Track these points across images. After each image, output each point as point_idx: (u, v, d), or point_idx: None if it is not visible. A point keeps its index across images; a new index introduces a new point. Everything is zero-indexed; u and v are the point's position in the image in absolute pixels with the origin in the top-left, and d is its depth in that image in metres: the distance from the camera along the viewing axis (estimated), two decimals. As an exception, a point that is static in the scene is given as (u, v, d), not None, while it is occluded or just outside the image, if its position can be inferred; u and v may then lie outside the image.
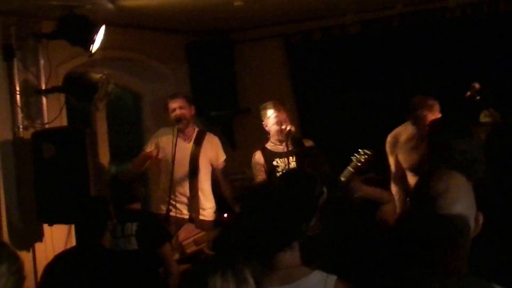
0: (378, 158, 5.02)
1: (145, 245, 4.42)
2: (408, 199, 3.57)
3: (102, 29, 4.92)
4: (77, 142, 4.85)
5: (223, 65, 6.62)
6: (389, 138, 5.23)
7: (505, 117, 4.69)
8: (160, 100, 5.97)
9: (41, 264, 4.73)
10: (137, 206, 4.62)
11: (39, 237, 5.02)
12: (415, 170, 4.91)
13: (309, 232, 2.60)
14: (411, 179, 4.98)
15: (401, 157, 5.14)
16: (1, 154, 4.87)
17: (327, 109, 6.40)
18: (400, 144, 5.15)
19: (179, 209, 5.50)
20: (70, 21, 4.87)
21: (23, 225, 4.95)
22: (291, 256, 2.35)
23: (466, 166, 2.74)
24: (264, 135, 5.41)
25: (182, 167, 5.43)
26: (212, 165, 5.62)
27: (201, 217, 5.52)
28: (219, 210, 5.65)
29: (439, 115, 4.77)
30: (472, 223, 1.87)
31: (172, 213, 5.36)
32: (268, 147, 5.35)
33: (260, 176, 5.31)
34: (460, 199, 1.86)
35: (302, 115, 6.46)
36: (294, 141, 5.25)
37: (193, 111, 5.56)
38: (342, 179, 4.80)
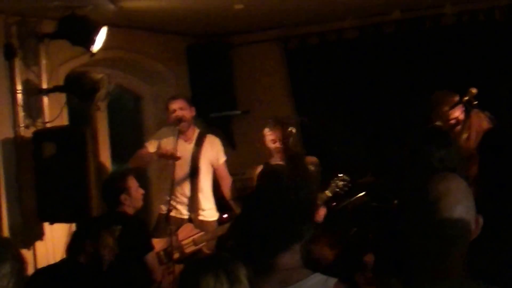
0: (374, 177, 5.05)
1: (126, 251, 4.36)
2: (395, 201, 3.59)
3: (103, 30, 4.94)
4: (78, 141, 4.86)
5: (222, 68, 6.67)
6: None
7: (502, 122, 4.75)
8: (160, 101, 6.01)
9: (42, 263, 4.75)
10: (127, 209, 4.61)
11: (40, 236, 5.03)
12: None
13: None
14: None
15: None
16: (2, 153, 4.87)
17: (325, 113, 6.44)
18: None
19: (179, 210, 5.53)
20: (71, 22, 4.88)
21: (23, 224, 4.95)
22: (291, 258, 2.35)
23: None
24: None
25: (182, 168, 5.45)
26: (212, 166, 5.67)
27: (200, 218, 5.56)
28: (219, 210, 5.69)
29: (460, 110, 4.73)
30: (472, 226, 1.85)
31: (172, 213, 5.38)
32: (271, 163, 5.32)
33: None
34: (461, 202, 1.83)
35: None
36: (291, 157, 5.16)
37: (193, 113, 5.59)
38: (319, 202, 4.87)
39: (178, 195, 5.53)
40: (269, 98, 6.65)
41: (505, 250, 2.55)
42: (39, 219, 4.96)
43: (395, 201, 4.65)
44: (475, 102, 4.79)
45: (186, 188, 5.55)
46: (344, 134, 6.24)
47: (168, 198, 5.36)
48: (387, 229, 3.35)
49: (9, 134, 4.96)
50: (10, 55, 4.97)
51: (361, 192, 5.11)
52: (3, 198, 4.86)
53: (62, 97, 5.23)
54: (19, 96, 4.99)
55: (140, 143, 5.88)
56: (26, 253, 4.84)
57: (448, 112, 4.75)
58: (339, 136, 6.21)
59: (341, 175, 4.95)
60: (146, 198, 4.97)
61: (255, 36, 6.71)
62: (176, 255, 4.99)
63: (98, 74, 5.07)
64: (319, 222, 4.90)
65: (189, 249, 5.14)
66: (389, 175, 5.01)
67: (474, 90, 4.82)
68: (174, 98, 5.60)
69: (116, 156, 6.13)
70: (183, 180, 5.50)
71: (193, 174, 5.52)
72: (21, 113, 4.99)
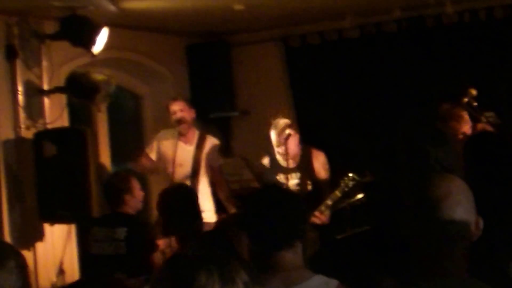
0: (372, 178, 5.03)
1: (134, 251, 4.42)
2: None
3: (104, 31, 4.95)
4: (78, 142, 4.88)
5: (222, 68, 6.67)
6: None
7: (502, 122, 4.75)
8: (160, 101, 6.01)
9: (42, 264, 4.77)
10: (130, 209, 4.61)
11: (40, 236, 5.04)
12: None
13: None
14: None
15: None
16: (3, 154, 4.89)
17: (325, 112, 6.44)
18: None
19: (178, 210, 5.54)
20: (72, 22, 4.88)
21: (24, 224, 4.97)
22: (293, 257, 2.35)
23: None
24: (262, 138, 5.42)
25: (182, 170, 5.45)
26: (211, 167, 5.67)
27: (199, 219, 5.57)
28: (218, 212, 5.68)
29: (468, 125, 4.71)
30: (472, 227, 1.85)
31: (172, 214, 5.39)
32: (276, 158, 5.22)
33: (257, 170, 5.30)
34: (462, 203, 1.83)
35: (300, 117, 6.49)
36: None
37: (193, 114, 5.59)
38: (329, 202, 4.82)
39: (178, 197, 5.52)
40: (269, 98, 6.64)
41: (489, 255, 2.56)
42: (39, 220, 4.97)
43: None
44: (475, 104, 4.78)
45: (186, 189, 5.55)
46: (344, 133, 6.24)
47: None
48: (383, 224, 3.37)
49: (10, 134, 4.98)
50: (11, 56, 4.99)
51: (361, 193, 5.09)
52: (4, 199, 4.87)
53: (63, 98, 5.24)
54: (20, 97, 5.01)
55: (140, 143, 5.88)
56: (27, 254, 4.83)
57: (457, 127, 4.69)
58: (339, 135, 6.21)
59: (351, 174, 4.81)
60: (145, 200, 4.97)
61: (255, 35, 6.70)
62: (176, 255, 4.97)
63: (99, 75, 5.07)
64: (325, 223, 4.87)
65: (188, 249, 5.12)
66: (388, 174, 5.02)
67: (473, 91, 4.80)
68: (174, 99, 5.59)
69: (116, 156, 6.13)
70: (183, 181, 5.49)
71: (193, 175, 5.51)
72: (22, 114, 5.01)
